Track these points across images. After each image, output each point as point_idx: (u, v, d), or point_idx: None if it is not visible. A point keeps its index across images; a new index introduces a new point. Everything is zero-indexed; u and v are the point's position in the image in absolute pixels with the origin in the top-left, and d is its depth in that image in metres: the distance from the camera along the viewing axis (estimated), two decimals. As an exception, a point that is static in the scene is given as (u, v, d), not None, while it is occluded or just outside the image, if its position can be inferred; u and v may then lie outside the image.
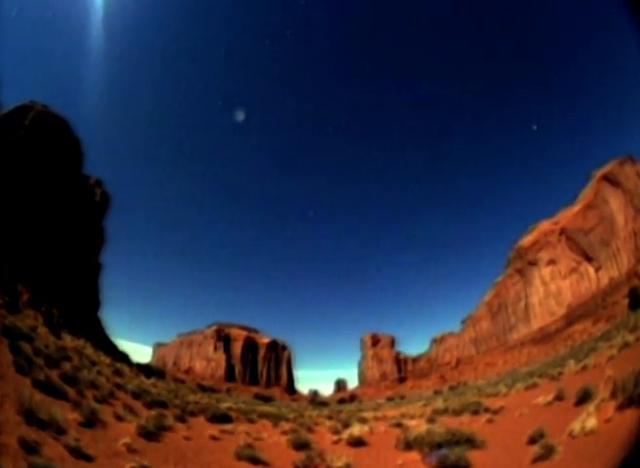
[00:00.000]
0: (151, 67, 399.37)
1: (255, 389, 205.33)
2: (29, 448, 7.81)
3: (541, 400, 18.13)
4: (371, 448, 15.43)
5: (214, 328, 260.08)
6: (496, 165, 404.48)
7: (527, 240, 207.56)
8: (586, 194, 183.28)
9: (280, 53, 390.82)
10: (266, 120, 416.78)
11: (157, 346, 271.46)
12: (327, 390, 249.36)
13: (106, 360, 55.42)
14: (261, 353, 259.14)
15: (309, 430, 22.60)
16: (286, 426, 23.81)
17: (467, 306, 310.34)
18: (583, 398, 13.80)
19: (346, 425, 23.20)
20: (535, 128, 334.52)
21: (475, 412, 21.23)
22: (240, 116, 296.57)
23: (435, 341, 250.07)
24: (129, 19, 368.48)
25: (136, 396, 24.50)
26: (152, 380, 60.35)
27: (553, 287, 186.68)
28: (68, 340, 50.47)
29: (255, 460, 12.45)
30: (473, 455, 10.66)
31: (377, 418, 31.10)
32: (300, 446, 15.01)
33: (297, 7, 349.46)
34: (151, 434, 13.30)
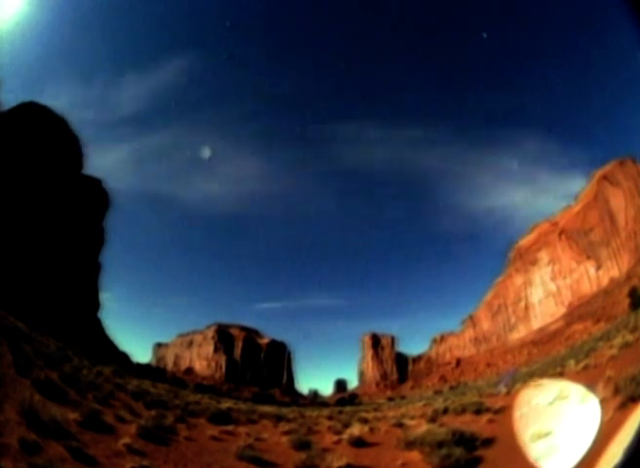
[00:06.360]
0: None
1: (255, 389, 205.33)
2: (30, 448, 7.80)
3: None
4: (371, 449, 15.43)
5: (214, 328, 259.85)
6: (496, 164, 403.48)
7: (527, 240, 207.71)
8: (586, 194, 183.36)
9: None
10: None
11: (157, 346, 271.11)
12: (327, 390, 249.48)
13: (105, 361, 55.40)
14: (262, 353, 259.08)
15: (310, 430, 22.59)
16: (286, 426, 23.80)
17: (467, 306, 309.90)
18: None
19: (347, 425, 23.20)
20: (484, 35, 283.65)
21: (476, 412, 21.22)
22: (206, 153, 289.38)
23: (435, 341, 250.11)
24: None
25: (136, 396, 24.47)
26: (152, 381, 60.35)
27: (553, 287, 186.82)
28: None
29: (255, 461, 12.46)
30: (475, 455, 10.67)
31: (377, 418, 31.10)
32: (301, 446, 15.02)
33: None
34: (151, 434, 13.29)
